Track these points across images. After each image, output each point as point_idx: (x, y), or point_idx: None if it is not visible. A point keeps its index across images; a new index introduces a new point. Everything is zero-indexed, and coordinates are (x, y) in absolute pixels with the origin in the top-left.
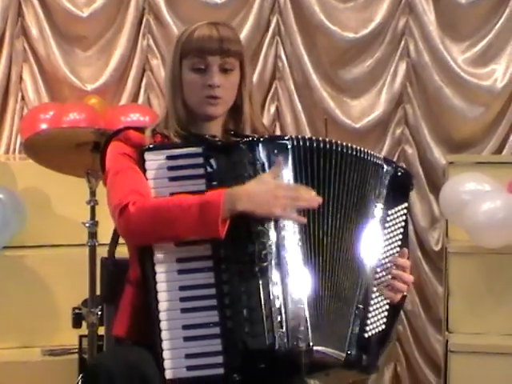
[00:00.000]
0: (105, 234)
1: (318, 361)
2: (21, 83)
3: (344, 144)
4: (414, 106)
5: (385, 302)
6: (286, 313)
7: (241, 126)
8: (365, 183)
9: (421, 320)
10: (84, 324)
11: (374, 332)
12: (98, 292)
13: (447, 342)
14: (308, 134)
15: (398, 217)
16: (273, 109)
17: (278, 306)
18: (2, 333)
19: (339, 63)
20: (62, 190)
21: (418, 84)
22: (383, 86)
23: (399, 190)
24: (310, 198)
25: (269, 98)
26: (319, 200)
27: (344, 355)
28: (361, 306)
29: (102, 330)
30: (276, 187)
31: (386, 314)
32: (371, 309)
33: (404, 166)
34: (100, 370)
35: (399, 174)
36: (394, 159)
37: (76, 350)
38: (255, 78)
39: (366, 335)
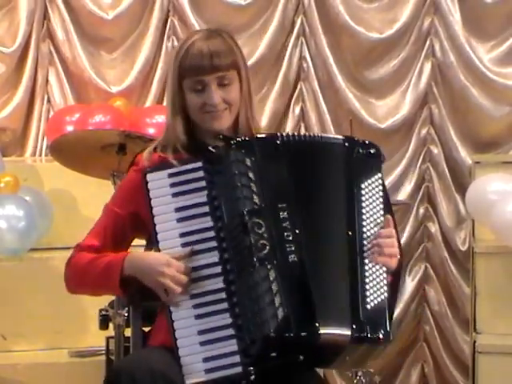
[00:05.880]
0: None
1: (329, 343)
2: (47, 86)
3: (316, 134)
4: (440, 105)
5: (380, 270)
6: (288, 299)
7: (236, 129)
8: (338, 166)
9: (448, 320)
10: (111, 326)
11: (376, 302)
12: None
13: (475, 342)
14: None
15: (373, 188)
16: (298, 110)
17: (279, 293)
18: (30, 334)
19: (364, 64)
20: (87, 192)
21: (444, 84)
22: (408, 86)
23: (368, 163)
24: (177, 279)
25: (293, 99)
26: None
27: (349, 332)
28: (357, 279)
29: (128, 332)
30: (165, 264)
31: (384, 281)
32: (368, 280)
33: (368, 141)
34: (122, 375)
35: (362, 149)
36: (420, 159)
37: (103, 352)
38: (280, 79)
39: (369, 306)
